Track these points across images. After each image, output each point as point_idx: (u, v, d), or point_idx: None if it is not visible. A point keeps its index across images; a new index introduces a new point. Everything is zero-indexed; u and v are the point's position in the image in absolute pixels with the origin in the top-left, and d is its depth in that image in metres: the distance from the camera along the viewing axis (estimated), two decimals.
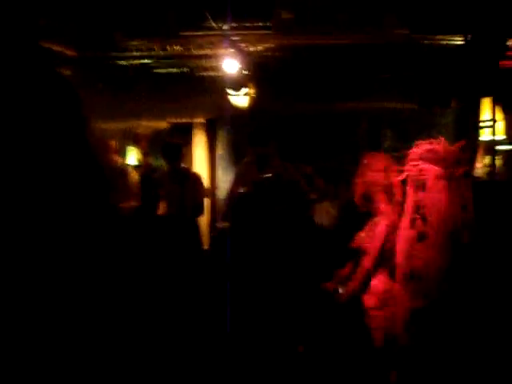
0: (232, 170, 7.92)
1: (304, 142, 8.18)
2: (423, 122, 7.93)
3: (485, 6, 6.82)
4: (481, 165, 7.76)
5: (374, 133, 8.26)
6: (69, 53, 7.12)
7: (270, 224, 6.21)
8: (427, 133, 7.91)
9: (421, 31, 7.36)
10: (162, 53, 7.34)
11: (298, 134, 8.22)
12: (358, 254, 5.21)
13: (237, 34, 7.26)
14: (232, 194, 6.63)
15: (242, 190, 6.42)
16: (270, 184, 6.34)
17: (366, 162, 5.16)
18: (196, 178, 7.42)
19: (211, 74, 7.64)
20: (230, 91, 7.56)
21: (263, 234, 6.19)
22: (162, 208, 7.10)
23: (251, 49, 7.47)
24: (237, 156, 8.11)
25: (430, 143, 4.94)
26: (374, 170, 5.15)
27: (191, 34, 7.24)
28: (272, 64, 7.63)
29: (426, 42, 7.49)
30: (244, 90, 7.60)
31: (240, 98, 7.66)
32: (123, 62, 7.39)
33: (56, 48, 6.86)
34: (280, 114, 8.02)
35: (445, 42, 7.49)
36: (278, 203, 6.28)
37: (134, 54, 7.31)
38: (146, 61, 7.45)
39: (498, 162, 7.85)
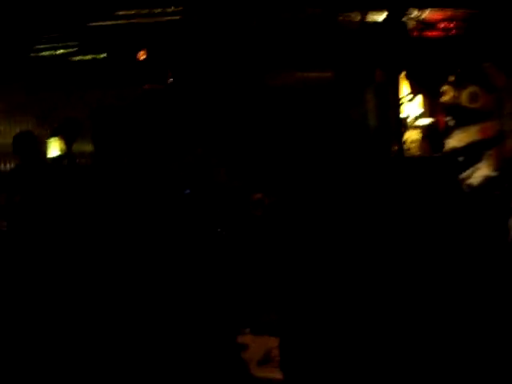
0: None
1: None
2: (345, 99, 7.80)
3: None
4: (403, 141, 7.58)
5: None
6: None
7: None
8: (349, 109, 7.86)
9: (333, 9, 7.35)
10: (73, 43, 7.46)
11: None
12: None
13: (144, 21, 7.32)
14: None
15: None
16: None
17: None
18: None
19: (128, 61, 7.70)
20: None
21: None
22: None
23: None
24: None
25: None
26: None
27: (99, 24, 7.30)
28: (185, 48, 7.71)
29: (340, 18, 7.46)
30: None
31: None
32: (35, 54, 7.54)
33: None
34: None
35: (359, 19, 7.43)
36: None
37: (46, 46, 7.44)
38: (58, 52, 7.60)
39: (419, 136, 7.61)
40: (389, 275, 6.08)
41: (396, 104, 7.49)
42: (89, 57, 7.97)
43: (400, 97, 7.46)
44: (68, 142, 8.21)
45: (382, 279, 6.04)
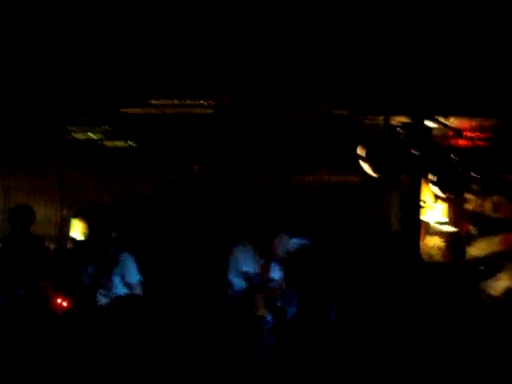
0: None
1: None
2: (369, 201, 7.88)
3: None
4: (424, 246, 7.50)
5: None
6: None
7: None
8: (372, 211, 7.88)
9: (360, 112, 7.43)
10: (106, 128, 7.64)
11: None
12: None
13: (176, 112, 7.45)
14: None
15: None
16: None
17: None
18: None
19: (158, 149, 7.84)
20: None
21: None
22: None
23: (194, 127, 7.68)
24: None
25: None
26: None
27: (131, 111, 7.44)
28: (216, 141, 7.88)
29: (366, 121, 7.53)
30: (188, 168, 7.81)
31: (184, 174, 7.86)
32: (69, 136, 7.73)
33: None
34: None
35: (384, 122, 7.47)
36: None
37: (80, 128, 7.64)
38: (91, 135, 7.79)
39: (440, 242, 7.52)
40: None
41: (417, 208, 7.46)
42: (120, 143, 8.17)
43: (422, 201, 7.41)
44: (91, 226, 8.28)
45: None
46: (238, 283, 6.78)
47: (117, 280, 6.75)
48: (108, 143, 8.21)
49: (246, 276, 6.78)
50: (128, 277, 6.72)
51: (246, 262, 6.82)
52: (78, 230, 8.15)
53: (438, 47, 6.48)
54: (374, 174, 6.37)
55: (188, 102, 7.33)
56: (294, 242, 6.66)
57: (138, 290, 6.72)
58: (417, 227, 7.29)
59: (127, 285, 6.70)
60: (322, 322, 6.25)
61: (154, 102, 7.23)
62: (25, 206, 7.34)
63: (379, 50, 6.56)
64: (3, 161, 8.10)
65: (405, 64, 6.58)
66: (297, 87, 7.18)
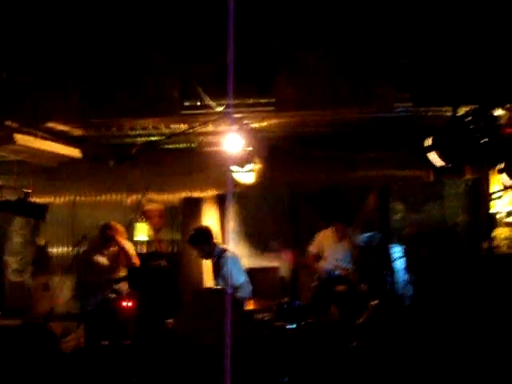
0: (243, 244, 8.08)
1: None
2: (434, 193, 7.83)
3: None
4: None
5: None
6: (76, 132, 7.69)
7: None
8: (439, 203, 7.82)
9: (424, 103, 7.35)
10: (167, 130, 7.64)
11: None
12: None
13: (238, 112, 7.40)
14: None
15: None
16: None
17: None
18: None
19: (218, 149, 7.81)
20: (234, 168, 7.72)
21: None
22: None
23: (254, 125, 7.63)
24: (248, 230, 8.28)
25: None
26: None
27: (193, 112, 7.42)
28: (276, 139, 7.84)
29: (430, 113, 7.44)
30: (248, 167, 7.75)
31: (244, 175, 7.83)
32: (129, 140, 7.76)
33: (62, 128, 7.43)
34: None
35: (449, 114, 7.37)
36: None
37: (140, 132, 7.65)
38: (152, 138, 7.80)
39: (510, 233, 7.38)
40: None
41: (486, 199, 7.34)
42: (182, 145, 8.20)
43: (491, 192, 7.30)
44: (155, 228, 8.41)
45: None
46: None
47: (220, 282, 6.88)
48: (170, 145, 8.23)
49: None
50: (232, 279, 6.82)
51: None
52: (142, 233, 8.25)
53: (500, 37, 6.39)
54: (441, 163, 6.25)
55: (251, 100, 7.28)
56: (364, 236, 6.66)
57: (243, 292, 6.84)
58: (487, 219, 7.18)
59: (232, 287, 6.79)
60: None
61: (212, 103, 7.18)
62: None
63: (443, 41, 6.48)
64: (71, 169, 8.19)
65: (469, 54, 6.50)
66: (359, 81, 7.14)
